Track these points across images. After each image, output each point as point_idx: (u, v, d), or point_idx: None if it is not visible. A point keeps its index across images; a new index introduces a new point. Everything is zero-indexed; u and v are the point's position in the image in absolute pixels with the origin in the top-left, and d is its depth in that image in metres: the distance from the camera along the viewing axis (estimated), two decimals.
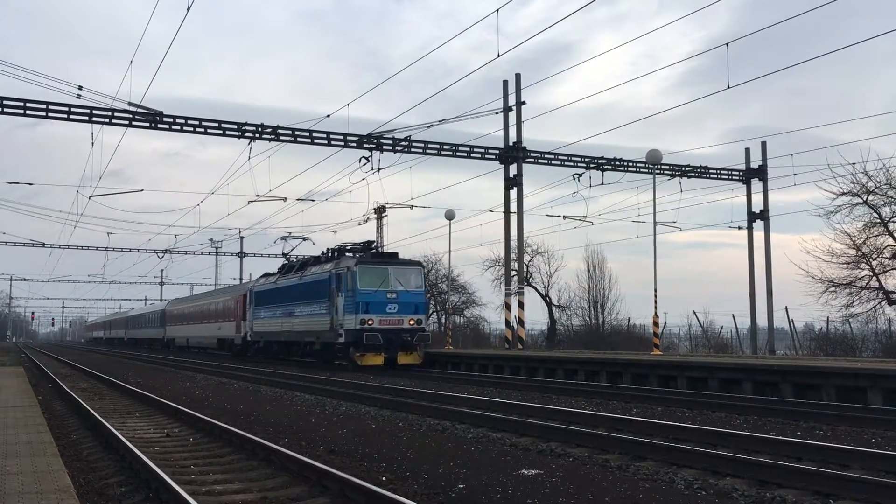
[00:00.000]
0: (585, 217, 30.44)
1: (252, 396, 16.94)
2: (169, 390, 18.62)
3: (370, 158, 25.00)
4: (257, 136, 23.69)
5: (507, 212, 27.08)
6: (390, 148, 25.07)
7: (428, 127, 25.27)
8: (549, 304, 43.49)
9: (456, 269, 67.47)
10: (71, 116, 21.56)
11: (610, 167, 27.66)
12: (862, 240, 25.73)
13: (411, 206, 39.45)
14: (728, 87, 20.83)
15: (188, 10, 16.84)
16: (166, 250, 57.74)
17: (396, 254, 27.55)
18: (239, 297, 38.61)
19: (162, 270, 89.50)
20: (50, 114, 21.45)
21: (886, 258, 25.92)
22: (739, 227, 30.52)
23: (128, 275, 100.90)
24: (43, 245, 54.47)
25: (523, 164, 26.16)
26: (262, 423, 11.82)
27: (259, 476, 7.85)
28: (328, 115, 24.66)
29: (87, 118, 21.68)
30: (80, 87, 21.01)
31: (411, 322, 25.06)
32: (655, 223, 22.53)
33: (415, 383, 18.66)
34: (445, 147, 25.82)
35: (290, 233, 34.92)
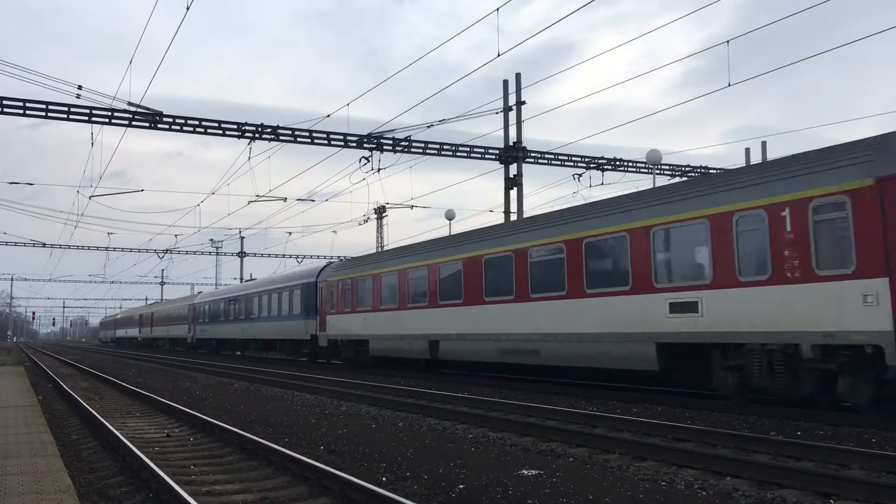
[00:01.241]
0: None
1: (252, 396, 16.94)
2: (169, 390, 18.63)
3: (370, 158, 25.02)
4: (257, 136, 23.68)
5: (507, 212, 27.06)
6: (390, 148, 25.07)
7: (428, 127, 25.29)
8: None
9: None
10: (70, 116, 21.54)
11: (610, 167, 27.69)
12: None
13: (411, 206, 39.55)
14: (729, 85, 20.80)
15: (188, 9, 16.85)
16: (167, 250, 57.83)
17: None
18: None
19: (162, 270, 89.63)
20: (49, 114, 21.43)
21: None
22: None
23: (128, 275, 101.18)
24: (44, 245, 54.56)
25: (523, 164, 26.15)
26: (263, 423, 11.82)
27: (259, 476, 7.85)
28: (328, 115, 24.68)
29: (86, 118, 21.67)
30: (80, 87, 21.01)
31: None
32: None
33: (415, 383, 18.65)
34: (445, 147, 25.82)
35: None
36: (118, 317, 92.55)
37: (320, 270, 29.41)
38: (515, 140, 25.92)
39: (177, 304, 58.09)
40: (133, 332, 76.07)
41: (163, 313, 62.10)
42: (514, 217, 25.67)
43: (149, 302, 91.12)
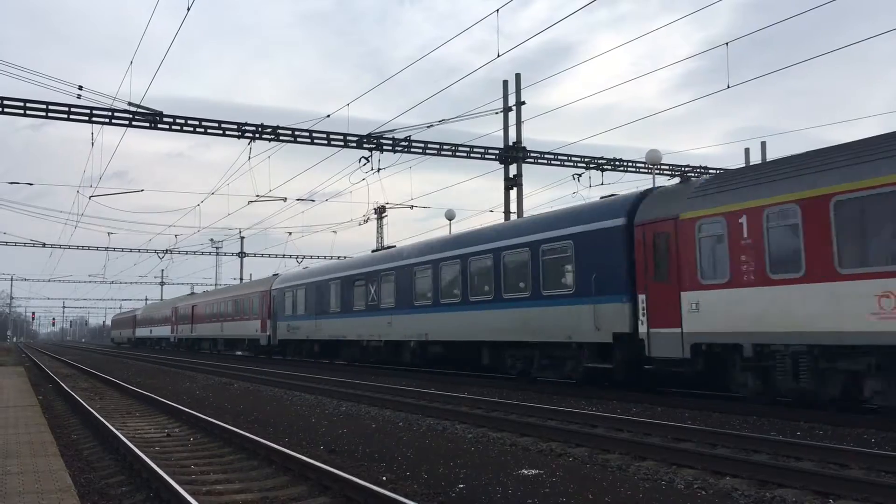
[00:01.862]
0: None
1: (252, 397, 16.95)
2: (169, 390, 18.64)
3: (370, 158, 25.03)
4: (257, 136, 23.69)
5: (507, 212, 27.07)
6: (390, 148, 25.08)
7: (428, 127, 25.31)
8: None
9: None
10: (71, 116, 21.54)
11: (610, 167, 27.69)
12: None
13: (411, 206, 39.64)
14: (728, 87, 20.83)
15: (188, 10, 16.86)
16: (167, 250, 57.83)
17: None
18: None
19: (162, 270, 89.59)
20: (50, 114, 21.43)
21: None
22: None
23: (128, 275, 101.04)
24: (44, 245, 54.56)
25: (523, 164, 26.17)
26: (263, 423, 11.83)
27: (260, 476, 7.86)
28: (328, 116, 24.70)
29: (86, 118, 21.67)
30: (81, 88, 21.02)
31: None
32: None
33: (415, 383, 18.67)
34: (445, 147, 25.84)
35: None
36: (139, 313, 74.83)
37: (638, 199, 14.46)
38: (515, 140, 25.94)
39: (238, 291, 40.96)
40: (162, 330, 58.88)
41: (213, 305, 44.37)
42: (513, 216, 25.59)
43: (148, 302, 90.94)
